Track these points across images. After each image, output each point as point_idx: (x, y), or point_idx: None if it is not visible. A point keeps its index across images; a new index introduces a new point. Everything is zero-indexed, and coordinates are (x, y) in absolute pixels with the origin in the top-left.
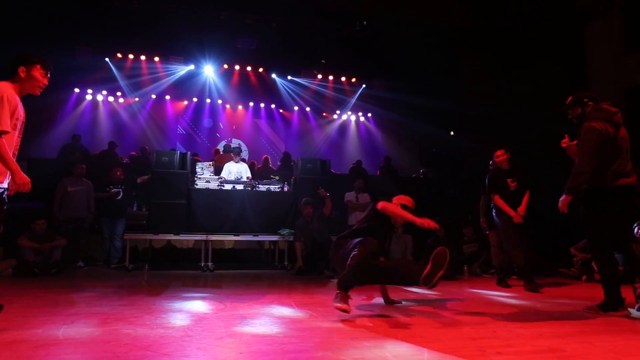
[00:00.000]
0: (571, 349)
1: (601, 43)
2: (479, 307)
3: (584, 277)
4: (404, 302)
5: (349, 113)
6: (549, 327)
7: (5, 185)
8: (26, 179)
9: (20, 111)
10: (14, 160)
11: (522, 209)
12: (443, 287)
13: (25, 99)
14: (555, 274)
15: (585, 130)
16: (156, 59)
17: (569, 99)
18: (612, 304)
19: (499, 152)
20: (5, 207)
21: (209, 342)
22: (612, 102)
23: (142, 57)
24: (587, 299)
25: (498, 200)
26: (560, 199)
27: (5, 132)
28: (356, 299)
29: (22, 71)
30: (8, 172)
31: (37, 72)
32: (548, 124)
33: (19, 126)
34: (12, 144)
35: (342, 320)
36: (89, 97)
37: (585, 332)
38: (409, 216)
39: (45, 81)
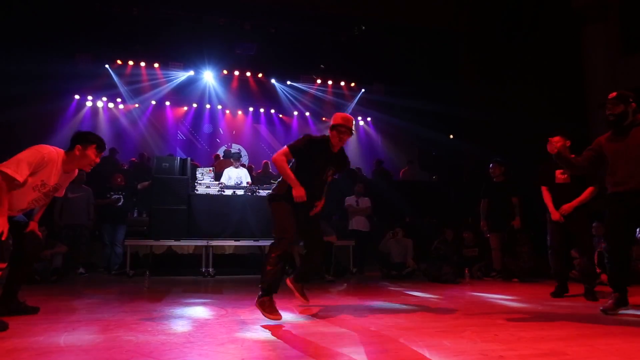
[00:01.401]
0: (573, 351)
1: (598, 46)
2: (480, 311)
3: None
4: (405, 306)
5: None
6: (550, 330)
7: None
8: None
9: (48, 176)
10: (18, 210)
11: (567, 205)
12: (444, 291)
13: (26, 104)
14: None
15: None
16: (156, 65)
17: (614, 94)
18: (622, 301)
19: (556, 139)
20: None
21: (211, 348)
22: None
23: (142, 64)
24: (589, 302)
25: (543, 192)
26: None
27: (17, 181)
28: (355, 301)
29: (77, 149)
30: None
31: (92, 152)
32: (546, 127)
33: (39, 185)
34: (24, 199)
35: (344, 325)
36: (89, 104)
37: (588, 335)
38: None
39: (98, 160)
